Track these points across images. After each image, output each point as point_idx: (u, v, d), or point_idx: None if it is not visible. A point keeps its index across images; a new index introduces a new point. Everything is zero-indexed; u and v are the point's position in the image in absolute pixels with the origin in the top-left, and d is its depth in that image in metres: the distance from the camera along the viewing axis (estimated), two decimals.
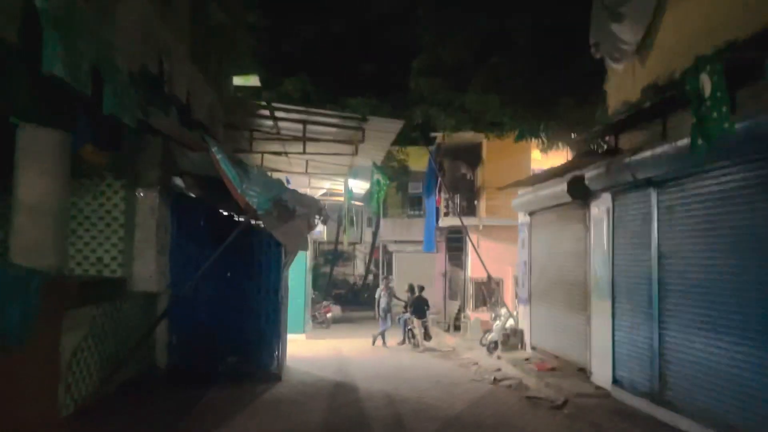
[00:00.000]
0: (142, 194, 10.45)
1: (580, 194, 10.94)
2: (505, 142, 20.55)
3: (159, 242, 10.57)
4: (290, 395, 10.46)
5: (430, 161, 22.68)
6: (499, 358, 14.01)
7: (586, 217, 11.16)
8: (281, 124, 13.19)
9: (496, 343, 16.51)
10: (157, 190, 10.49)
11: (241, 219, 11.82)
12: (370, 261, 37.97)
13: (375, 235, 33.45)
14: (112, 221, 10.46)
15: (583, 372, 11.18)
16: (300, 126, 12.85)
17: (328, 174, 17.34)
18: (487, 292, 21.66)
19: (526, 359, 13.44)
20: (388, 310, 17.92)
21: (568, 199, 11.28)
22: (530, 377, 11.91)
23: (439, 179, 22.15)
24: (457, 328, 22.82)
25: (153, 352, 10.79)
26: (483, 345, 17.26)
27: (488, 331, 17.36)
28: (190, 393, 9.93)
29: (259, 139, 14.50)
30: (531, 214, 13.89)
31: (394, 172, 24.25)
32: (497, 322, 17.13)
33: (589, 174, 10.39)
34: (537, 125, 16.42)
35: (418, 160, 26.67)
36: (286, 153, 14.61)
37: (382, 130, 12.90)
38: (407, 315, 17.52)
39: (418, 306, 17.24)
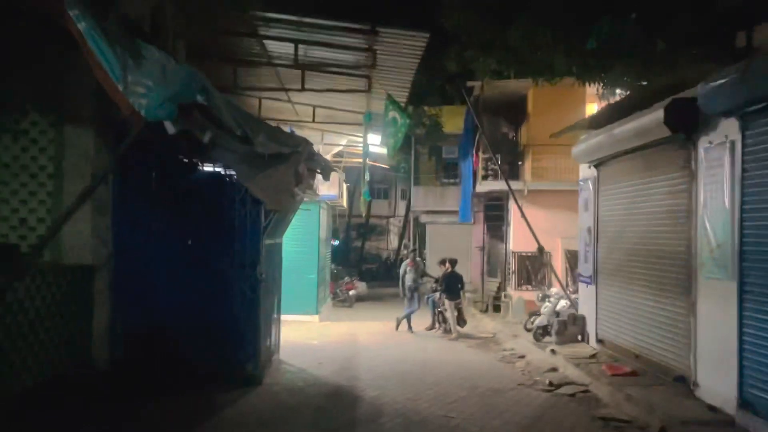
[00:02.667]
0: (72, 134, 7.37)
1: (685, 124, 7.22)
2: (555, 91, 16.75)
3: (95, 199, 7.41)
4: (263, 410, 7.14)
5: (466, 115, 18.98)
6: (554, 352, 10.44)
7: (692, 159, 7.43)
8: (270, 46, 9.75)
9: (545, 328, 13.06)
10: (92, 129, 7.36)
11: (210, 168, 8.48)
12: (403, 234, 34.53)
13: (407, 207, 29.93)
14: (38, 171, 7.42)
15: (683, 382, 7.54)
16: (291, 47, 9.39)
17: (341, 124, 13.86)
18: (533, 268, 18.01)
19: (592, 356, 9.83)
20: (414, 288, 14.43)
21: (662, 134, 7.56)
22: (601, 384, 8.33)
23: (478, 135, 18.44)
24: (496, 308, 19.28)
25: (89, 344, 7.60)
26: (528, 330, 13.85)
27: (535, 313, 13.86)
28: (125, 404, 6.83)
29: (247, 75, 11.12)
30: (599, 164, 10.14)
31: (426, 131, 20.63)
32: (546, 303, 13.60)
33: (705, 90, 6.66)
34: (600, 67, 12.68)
35: (452, 121, 22.95)
36: (284, 89, 11.16)
37: (401, 51, 9.32)
38: (437, 295, 14.01)
39: (451, 284, 13.69)
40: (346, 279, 20.56)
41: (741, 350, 6.41)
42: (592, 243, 10.45)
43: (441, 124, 20.11)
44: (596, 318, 10.31)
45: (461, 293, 13.88)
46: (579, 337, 10.89)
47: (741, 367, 6.40)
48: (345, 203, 18.39)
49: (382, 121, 13.80)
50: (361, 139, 13.89)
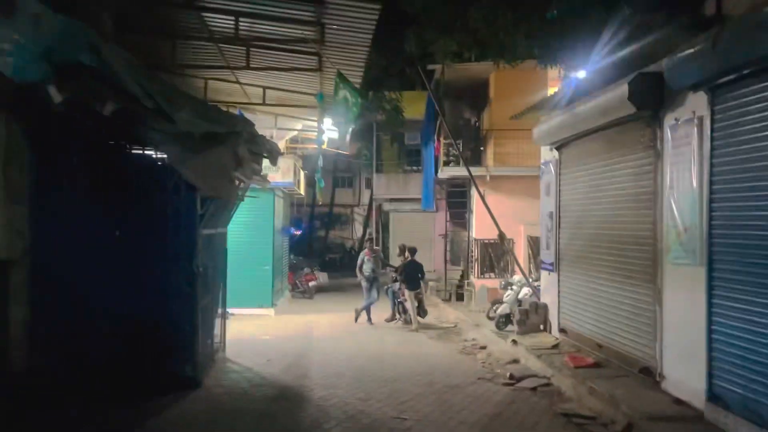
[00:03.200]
0: None
1: (651, 100, 6.71)
2: (517, 75, 16.36)
3: (9, 186, 6.63)
4: (198, 416, 6.46)
5: (428, 101, 18.38)
6: (515, 343, 9.96)
7: (657, 137, 6.94)
8: (209, 20, 8.93)
9: (507, 317, 12.63)
10: (3, 106, 6.55)
11: (140, 151, 7.69)
12: (367, 223, 33.91)
13: (371, 196, 29.29)
14: None
15: (648, 374, 7.09)
16: (232, 20, 8.59)
17: (294, 107, 13.07)
18: (496, 255, 17.58)
19: (554, 347, 9.36)
20: (373, 279, 13.82)
21: (626, 111, 7.04)
22: (563, 377, 7.86)
23: (439, 120, 17.88)
24: (459, 297, 18.83)
25: (4, 346, 6.80)
26: (491, 318, 13.42)
27: (497, 301, 13.43)
28: (41, 412, 6.05)
29: (188, 52, 10.27)
30: (560, 146, 9.62)
31: (386, 117, 19.95)
32: (508, 291, 13.17)
33: (672, 62, 6.16)
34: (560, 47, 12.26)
35: (414, 107, 22.31)
36: (228, 68, 10.34)
37: (351, 25, 8.60)
38: (396, 285, 13.44)
39: (410, 273, 13.12)
40: (306, 270, 19.84)
41: (710, 340, 5.96)
42: (554, 229, 9.96)
43: (401, 109, 19.46)
44: (559, 306, 9.85)
45: (421, 283, 13.32)
46: (541, 327, 10.43)
47: (710, 359, 5.95)
48: (303, 191, 17.64)
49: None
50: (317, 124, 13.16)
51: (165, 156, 7.16)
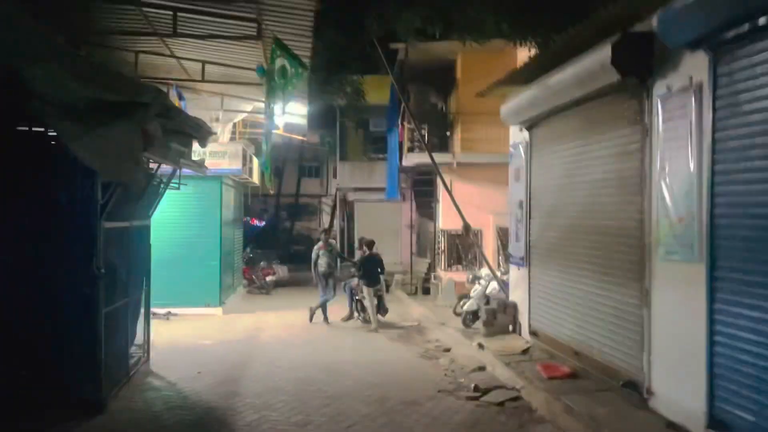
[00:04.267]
0: None
1: (638, 64, 5.58)
2: (486, 56, 15.23)
3: None
4: None
5: (392, 85, 17.12)
6: (481, 347, 8.84)
7: (645, 110, 5.83)
8: None
9: (474, 313, 11.61)
10: None
11: (27, 129, 6.32)
12: (333, 214, 32.59)
13: (336, 187, 27.97)
14: None
15: (634, 389, 5.98)
16: None
17: (239, 85, 11.72)
18: (463, 247, 16.51)
19: (524, 351, 8.25)
20: (329, 274, 12.56)
21: (608, 79, 5.90)
22: (535, 389, 6.74)
23: (402, 106, 16.67)
24: (426, 291, 17.76)
25: None
26: (458, 314, 12.41)
27: (465, 296, 12.38)
28: None
29: (105, 19, 8.87)
30: (532, 126, 8.47)
31: (347, 101, 18.65)
32: (476, 286, 12.12)
33: (666, 14, 5.03)
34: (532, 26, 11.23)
35: (379, 92, 21.04)
36: (153, 34, 8.96)
37: None
38: (354, 281, 12.21)
39: (368, 268, 11.90)
40: (263, 264, 18.50)
41: (711, 353, 4.88)
42: (524, 219, 8.84)
43: (362, 92, 18.20)
44: (529, 306, 8.74)
45: (381, 278, 12.12)
46: (510, 328, 9.33)
47: (711, 375, 4.88)
48: (257, 180, 16.30)
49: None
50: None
51: (54, 134, 5.83)
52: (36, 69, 4.56)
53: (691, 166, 5.08)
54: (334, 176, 34.40)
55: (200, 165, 9.44)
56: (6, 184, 5.93)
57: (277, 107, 11.89)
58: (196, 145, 9.28)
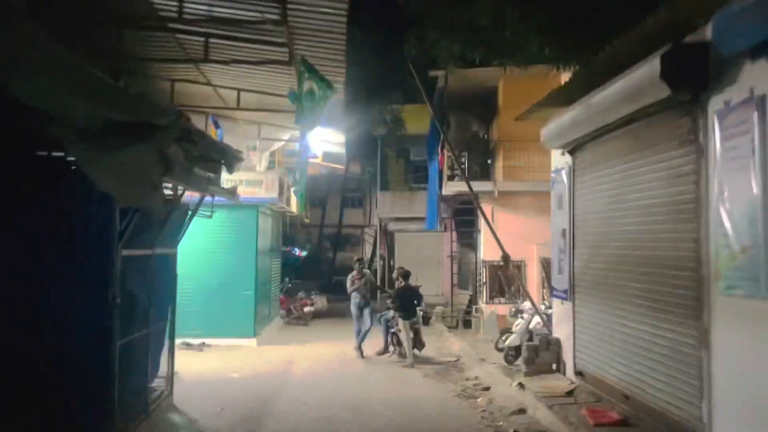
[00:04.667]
0: None
1: (691, 77, 5.03)
2: (528, 81, 14.75)
3: None
4: None
5: (432, 113, 16.79)
6: (522, 386, 8.18)
7: (700, 128, 5.25)
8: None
9: (517, 349, 10.97)
10: None
11: (46, 153, 6.15)
12: (376, 243, 32.23)
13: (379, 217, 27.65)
14: None
15: None
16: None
17: (274, 112, 11.54)
18: (505, 279, 15.81)
19: (569, 393, 7.56)
20: (365, 305, 12.10)
21: (658, 95, 5.35)
22: None
23: (443, 132, 16.26)
24: (467, 324, 17.08)
25: None
26: (500, 350, 11.78)
27: (507, 331, 11.75)
28: None
29: (139, 44, 8.82)
30: (574, 149, 7.91)
31: (388, 130, 18.42)
32: (518, 320, 11.49)
33: (725, 16, 4.49)
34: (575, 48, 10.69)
35: (419, 120, 20.79)
36: (187, 60, 8.88)
37: (318, 10, 7.05)
38: (390, 313, 11.70)
39: (404, 300, 11.38)
40: (301, 294, 18.18)
41: None
42: (568, 249, 8.22)
43: (402, 121, 17.93)
44: (574, 343, 8.06)
45: (418, 311, 11.57)
46: (554, 366, 8.64)
47: None
48: (295, 209, 16.09)
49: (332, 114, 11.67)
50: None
51: (72, 157, 5.63)
52: (29, 82, 4.29)
53: (755, 188, 4.47)
54: (377, 207, 34.21)
55: (231, 192, 9.19)
56: (24, 210, 5.74)
57: (312, 133, 11.74)
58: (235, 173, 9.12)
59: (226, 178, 12.28)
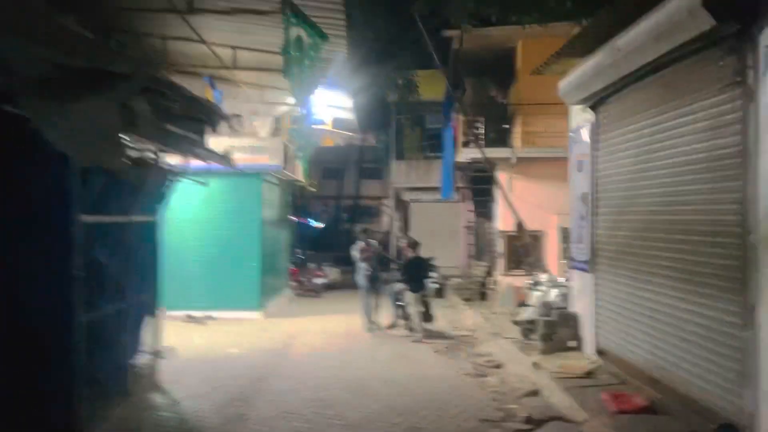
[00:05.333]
0: None
1: (738, 4, 4.14)
2: (549, 41, 13.60)
3: None
4: None
5: (447, 77, 15.81)
6: (537, 366, 7.44)
7: (748, 67, 4.35)
8: None
9: (534, 323, 10.26)
10: None
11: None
12: (393, 214, 31.51)
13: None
14: None
15: None
16: None
17: (272, 72, 10.74)
18: (523, 250, 14.98)
19: (588, 374, 6.79)
20: (373, 278, 11.40)
21: (697, 29, 4.45)
22: (601, 426, 5.34)
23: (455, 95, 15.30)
24: (484, 297, 16.35)
25: None
26: (517, 324, 11.04)
27: (524, 303, 11.02)
28: None
29: None
30: (597, 103, 7.00)
31: (400, 96, 17.47)
32: (537, 292, 10.73)
33: None
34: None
35: (434, 87, 19.80)
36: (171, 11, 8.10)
37: None
38: (398, 285, 10.97)
39: (412, 271, 10.64)
40: (312, 265, 17.57)
41: None
42: (589, 215, 7.37)
43: (416, 84, 16.97)
44: (595, 319, 7.27)
45: (427, 283, 10.84)
46: (572, 343, 7.87)
47: None
48: (304, 177, 15.36)
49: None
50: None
51: (21, 110, 4.93)
52: None
53: None
54: (392, 176, 33.35)
55: (223, 157, 8.46)
56: None
57: (315, 96, 10.89)
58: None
59: (229, 145, 11.58)
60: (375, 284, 11.46)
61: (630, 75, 5.77)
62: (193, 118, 6.56)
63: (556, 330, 7.83)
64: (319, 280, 17.03)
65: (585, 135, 7.36)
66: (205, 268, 12.17)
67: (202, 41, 9.81)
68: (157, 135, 5.67)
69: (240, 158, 11.80)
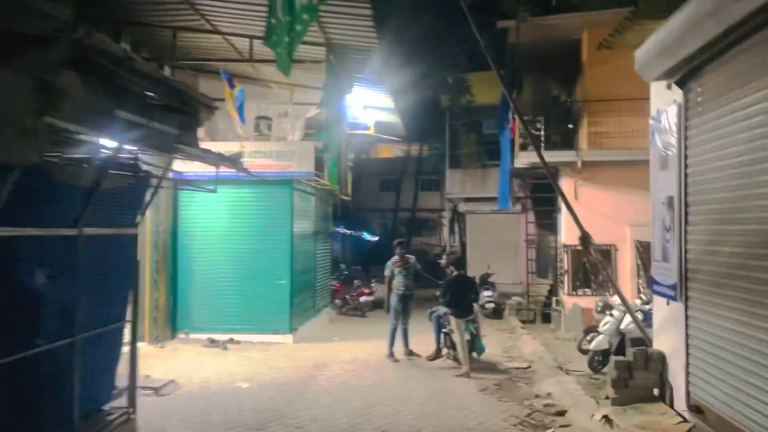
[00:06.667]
0: None
1: None
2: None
3: None
4: None
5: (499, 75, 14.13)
6: (608, 421, 5.67)
7: None
8: None
9: (605, 354, 8.62)
10: None
11: None
12: (451, 228, 29.87)
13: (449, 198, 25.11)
14: None
15: None
16: None
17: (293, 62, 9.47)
18: (591, 266, 13.06)
19: None
20: (407, 297, 9.84)
21: None
22: None
23: (514, 98, 13.61)
24: (546, 318, 14.51)
25: None
26: (583, 352, 9.41)
27: (592, 329, 9.35)
28: None
29: None
30: (686, 77, 5.23)
31: (453, 96, 15.88)
32: (607, 317, 9.04)
33: None
34: None
35: (491, 90, 18.16)
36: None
37: None
38: (441, 309, 9.34)
39: (457, 293, 8.99)
40: (357, 282, 16.15)
41: None
42: (677, 225, 5.56)
43: (468, 84, 15.35)
44: (687, 362, 5.42)
45: (475, 308, 9.16)
46: (655, 391, 6.03)
47: None
48: (346, 186, 13.98)
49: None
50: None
51: None
52: None
53: None
54: (446, 186, 31.77)
55: (228, 160, 7.12)
56: None
57: (351, 97, 9.52)
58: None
59: (252, 149, 10.37)
60: (408, 305, 9.93)
61: (738, 27, 4.01)
62: (167, 107, 5.25)
63: (633, 373, 6.02)
64: (365, 298, 15.57)
65: (671, 120, 5.57)
66: (229, 286, 10.99)
67: (218, 32, 8.68)
68: (99, 123, 4.35)
69: (267, 164, 10.62)
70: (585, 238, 7.27)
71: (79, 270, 4.87)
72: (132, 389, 5.87)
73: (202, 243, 10.98)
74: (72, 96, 4.02)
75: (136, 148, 5.46)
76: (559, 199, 14.13)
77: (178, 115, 5.41)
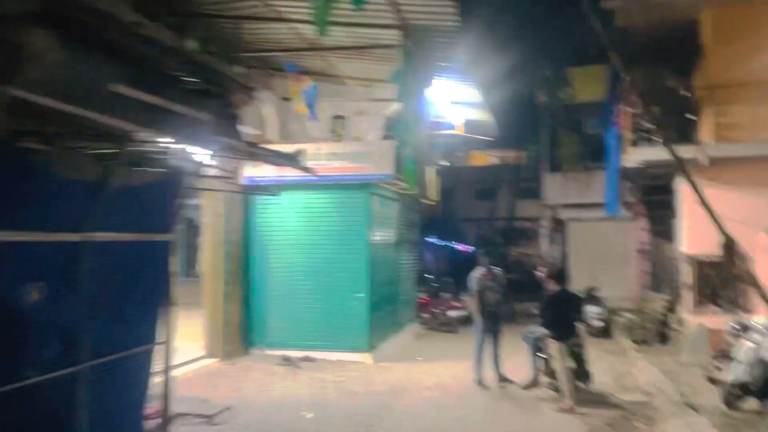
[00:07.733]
0: None
1: None
2: (744, 7, 10.31)
3: None
4: None
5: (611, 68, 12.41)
6: None
7: None
8: None
9: (744, 387, 6.88)
10: None
11: None
12: (551, 235, 27.78)
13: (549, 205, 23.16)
14: None
15: None
16: None
17: (366, 47, 8.43)
18: (721, 280, 11.00)
19: None
20: (497, 313, 8.45)
21: None
22: None
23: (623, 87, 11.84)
24: (663, 339, 12.48)
25: None
26: (713, 382, 7.69)
27: (724, 354, 7.60)
28: None
29: None
30: None
31: (552, 91, 14.26)
32: (747, 342, 7.29)
33: None
34: None
35: (593, 85, 16.33)
36: None
37: None
38: (538, 331, 7.83)
39: (558, 313, 7.46)
40: (446, 295, 14.82)
41: None
42: None
43: (568, 78, 13.67)
44: None
45: (578, 329, 7.61)
46: None
47: None
48: (431, 192, 12.77)
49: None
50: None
51: None
52: None
53: None
54: (545, 192, 29.70)
55: (284, 157, 6.17)
56: None
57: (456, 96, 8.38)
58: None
59: (327, 150, 9.47)
60: (496, 324, 8.53)
61: None
62: (192, 89, 4.32)
63: None
64: (454, 313, 14.21)
65: None
66: (304, 299, 10.11)
67: (283, 19, 7.80)
68: (92, 99, 3.45)
69: (343, 167, 9.67)
70: (729, 245, 5.61)
71: (84, 283, 4.00)
72: (164, 419, 4.97)
73: (276, 253, 10.18)
74: (43, 60, 3.13)
75: (172, 140, 4.59)
76: (678, 202, 12.16)
77: (208, 97, 4.46)
